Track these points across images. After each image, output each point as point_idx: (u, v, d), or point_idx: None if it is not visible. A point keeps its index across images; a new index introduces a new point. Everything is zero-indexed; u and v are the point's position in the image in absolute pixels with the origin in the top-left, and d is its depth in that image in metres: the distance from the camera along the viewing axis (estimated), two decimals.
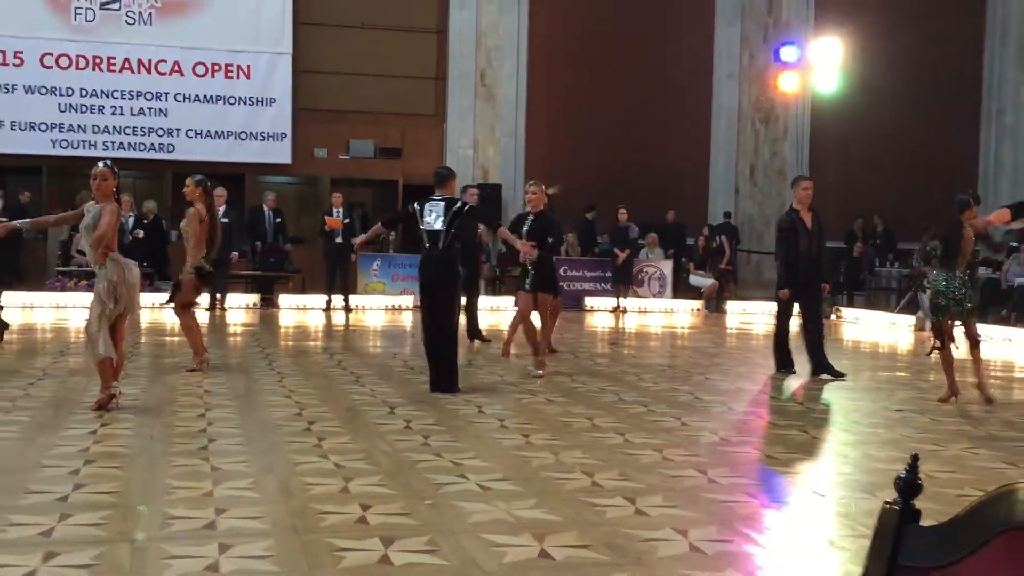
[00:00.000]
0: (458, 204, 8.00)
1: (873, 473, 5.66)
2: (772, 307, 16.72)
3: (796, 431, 6.94)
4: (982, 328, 8.68)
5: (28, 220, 8.19)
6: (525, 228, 9.22)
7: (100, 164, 6.92)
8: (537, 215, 9.36)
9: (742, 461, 5.89)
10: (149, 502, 4.53)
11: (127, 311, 6.81)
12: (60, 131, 17.56)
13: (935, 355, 8.17)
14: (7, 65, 17.36)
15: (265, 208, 16.56)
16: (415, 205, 8.10)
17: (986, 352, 8.44)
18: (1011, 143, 21.35)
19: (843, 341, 13.37)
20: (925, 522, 1.44)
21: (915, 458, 1.47)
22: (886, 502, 1.46)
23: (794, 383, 9.17)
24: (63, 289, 15.18)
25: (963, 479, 5.42)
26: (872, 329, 15.46)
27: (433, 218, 7.89)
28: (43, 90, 17.48)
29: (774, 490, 5.40)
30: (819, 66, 18.96)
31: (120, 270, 6.71)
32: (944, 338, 8.01)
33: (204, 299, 12.46)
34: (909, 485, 1.45)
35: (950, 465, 5.78)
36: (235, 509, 4.42)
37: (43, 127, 17.50)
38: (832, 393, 8.74)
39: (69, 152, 17.45)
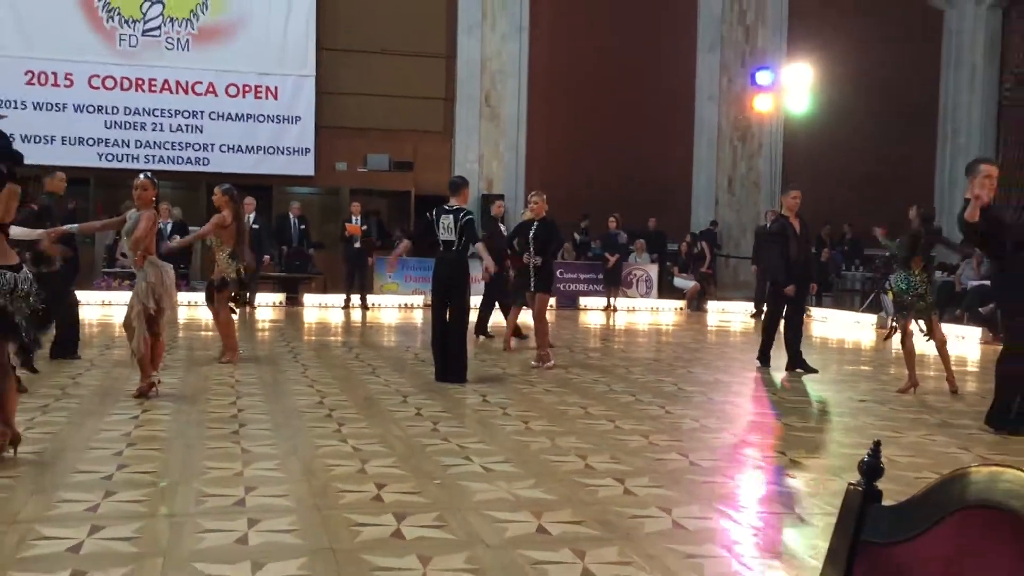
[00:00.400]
0: (462, 214, 8.03)
1: (839, 457, 5.66)
2: (749, 307, 16.91)
3: (770, 419, 6.94)
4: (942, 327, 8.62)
5: (76, 225, 8.20)
6: (532, 233, 9.31)
7: (141, 176, 6.95)
8: (541, 222, 9.40)
9: (720, 446, 5.89)
10: (185, 481, 4.53)
11: (165, 309, 6.81)
12: (106, 146, 17.56)
13: (894, 343, 8.14)
14: (58, 86, 17.35)
15: (291, 216, 16.54)
16: (431, 214, 8.19)
17: (951, 350, 8.40)
18: (965, 161, 21.14)
19: (812, 338, 13.34)
20: (886, 502, 1.44)
21: (877, 444, 1.47)
22: (850, 483, 1.46)
23: (775, 376, 9.15)
24: (108, 288, 15.19)
25: (921, 463, 5.41)
26: (838, 327, 15.44)
27: (446, 228, 7.98)
28: (91, 109, 17.47)
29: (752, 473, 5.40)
30: (791, 89, 18.95)
31: (158, 272, 6.72)
32: (905, 333, 8.00)
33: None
34: (872, 468, 1.45)
35: (909, 450, 5.78)
36: (263, 487, 4.42)
37: (91, 142, 17.49)
38: (803, 385, 8.73)
39: (114, 165, 17.41)
